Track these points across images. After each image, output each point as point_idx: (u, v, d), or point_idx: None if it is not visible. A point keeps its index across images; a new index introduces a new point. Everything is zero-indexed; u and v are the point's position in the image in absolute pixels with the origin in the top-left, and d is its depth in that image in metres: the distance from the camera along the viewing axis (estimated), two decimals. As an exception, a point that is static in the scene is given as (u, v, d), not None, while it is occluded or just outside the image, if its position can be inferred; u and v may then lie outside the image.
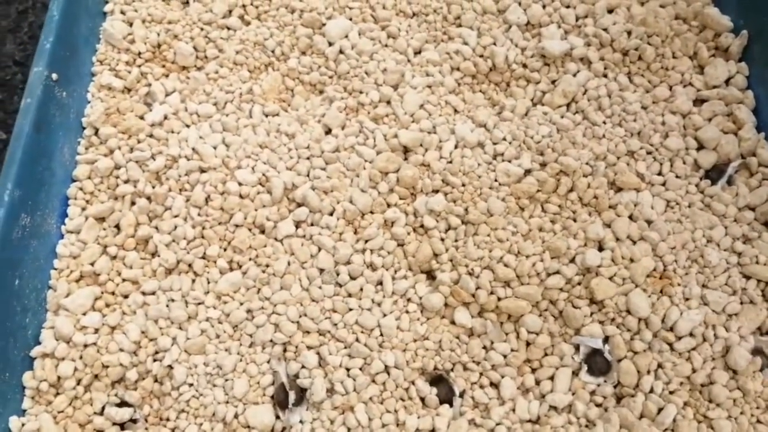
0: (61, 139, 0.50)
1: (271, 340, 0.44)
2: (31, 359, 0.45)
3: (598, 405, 0.43)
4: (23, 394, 0.44)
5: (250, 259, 0.47)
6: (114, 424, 0.43)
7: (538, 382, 0.44)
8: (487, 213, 0.47)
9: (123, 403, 0.44)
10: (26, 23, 0.77)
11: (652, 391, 0.42)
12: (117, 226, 0.49)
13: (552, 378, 0.43)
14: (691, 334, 0.43)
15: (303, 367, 0.43)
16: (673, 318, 0.43)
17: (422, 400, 0.43)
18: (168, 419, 0.43)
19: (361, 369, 0.43)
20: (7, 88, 0.73)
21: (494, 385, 0.43)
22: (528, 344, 0.44)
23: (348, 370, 0.43)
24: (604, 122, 0.51)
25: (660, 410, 0.41)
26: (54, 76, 0.50)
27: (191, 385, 0.44)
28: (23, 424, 0.43)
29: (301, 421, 0.42)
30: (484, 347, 0.44)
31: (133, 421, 0.44)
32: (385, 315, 0.44)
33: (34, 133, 0.48)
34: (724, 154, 0.49)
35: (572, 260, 0.45)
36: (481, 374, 0.44)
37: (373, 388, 0.42)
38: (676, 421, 0.41)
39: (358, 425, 0.41)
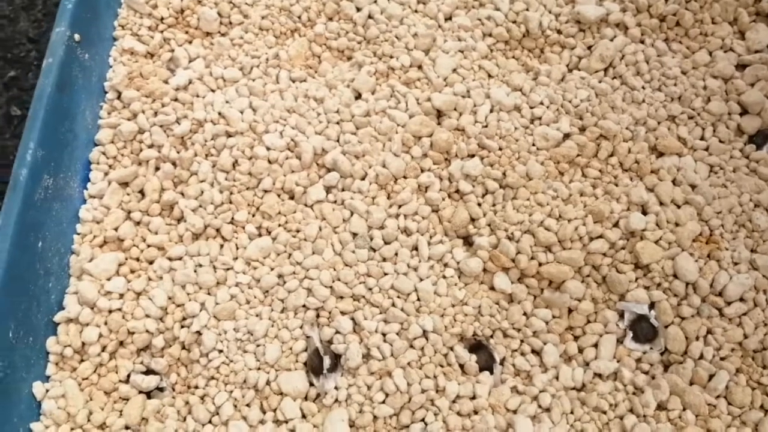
0: (84, 102, 0.49)
1: (304, 305, 0.43)
2: (55, 324, 0.43)
3: (645, 372, 0.41)
4: (47, 359, 0.42)
5: (279, 225, 0.45)
6: (140, 392, 0.42)
7: (581, 350, 0.42)
8: (526, 177, 0.45)
9: (149, 371, 0.42)
10: (40, 0, 0.76)
11: (701, 357, 0.41)
12: (141, 192, 0.48)
13: (596, 345, 0.42)
14: (741, 299, 0.41)
15: (337, 332, 0.42)
16: (722, 282, 0.42)
17: (461, 367, 0.41)
18: (197, 387, 0.41)
19: (398, 334, 0.41)
20: (21, 66, 0.72)
21: (536, 352, 0.42)
22: (570, 311, 0.43)
23: (384, 335, 0.41)
24: (643, 87, 0.49)
25: (711, 377, 0.40)
26: (77, 36, 0.49)
27: (221, 351, 0.42)
28: (47, 390, 0.41)
29: (336, 387, 0.40)
30: (525, 314, 0.42)
31: (160, 389, 0.42)
32: (421, 279, 0.43)
33: (57, 93, 0.46)
34: (769, 119, 0.47)
35: (616, 224, 0.44)
36: (522, 341, 0.42)
37: (411, 353, 0.41)
38: (728, 388, 0.40)
39: (396, 390, 0.39)
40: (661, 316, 0.41)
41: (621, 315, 0.42)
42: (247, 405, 0.40)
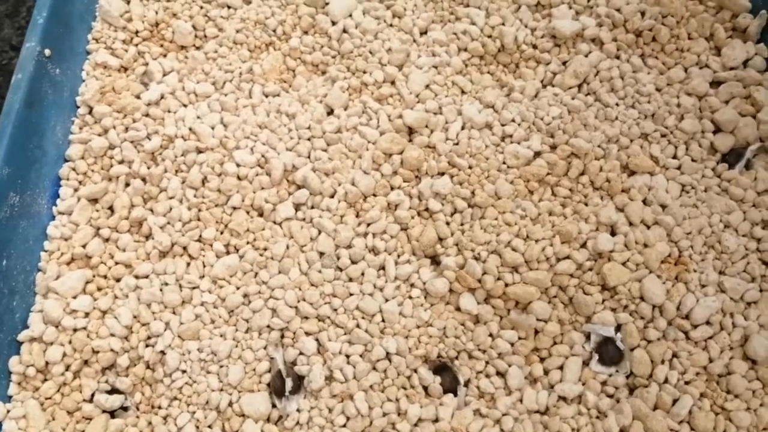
0: (54, 118, 0.48)
1: (268, 326, 0.42)
2: (18, 344, 0.43)
3: (610, 396, 0.41)
4: (9, 379, 0.42)
5: (247, 243, 0.45)
6: (104, 411, 0.42)
7: (546, 372, 0.42)
8: (495, 196, 0.45)
9: (113, 390, 0.42)
10: (24, 8, 0.75)
11: (666, 381, 0.40)
12: (110, 208, 0.48)
13: (561, 368, 0.42)
14: (707, 322, 0.41)
15: (301, 353, 0.41)
16: (689, 305, 0.41)
17: (425, 389, 0.41)
18: (160, 407, 0.41)
19: (361, 356, 0.41)
20: (3, 73, 0.71)
21: (501, 374, 0.42)
22: (536, 332, 0.42)
23: (348, 356, 0.41)
24: (617, 104, 0.49)
25: (675, 401, 0.39)
26: (47, 51, 0.49)
27: (184, 371, 0.42)
28: (8, 411, 0.41)
29: (298, 410, 0.40)
30: (491, 335, 0.42)
31: (124, 408, 0.42)
32: (387, 300, 0.43)
33: (25, 109, 0.46)
34: (742, 138, 0.47)
35: (583, 245, 0.43)
36: (487, 363, 0.42)
37: (373, 375, 0.41)
38: (692, 413, 0.39)
39: (357, 414, 0.39)
40: (627, 339, 0.41)
41: (587, 337, 0.42)
42: (209, 426, 0.40)
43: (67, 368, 0.42)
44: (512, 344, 0.42)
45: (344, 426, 0.39)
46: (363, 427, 0.39)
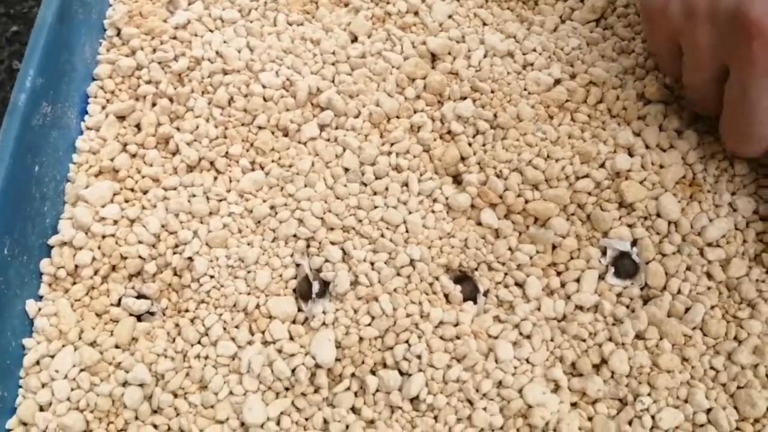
0: (83, 36, 0.49)
1: (295, 235, 0.43)
2: (49, 247, 0.44)
3: (625, 306, 0.42)
4: (40, 280, 0.43)
5: (272, 161, 0.46)
6: (131, 315, 0.43)
7: (563, 285, 0.43)
8: (517, 118, 0.46)
9: (141, 296, 0.43)
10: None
11: (679, 292, 0.41)
12: (138, 126, 0.48)
13: (578, 280, 0.43)
14: (720, 240, 0.42)
15: (327, 261, 0.43)
16: (703, 222, 0.42)
17: (446, 296, 0.42)
18: (187, 310, 0.42)
19: (385, 262, 0.42)
20: (24, 21, 0.72)
21: (519, 285, 0.43)
22: (554, 247, 0.44)
23: (372, 263, 0.42)
24: (633, 38, 0.50)
25: (688, 309, 0.41)
26: (76, -29, 0.49)
27: (212, 276, 0.43)
28: (40, 309, 0.42)
29: (324, 312, 0.41)
30: (510, 248, 0.43)
31: (151, 313, 0.43)
32: (410, 213, 0.44)
33: (57, 24, 0.47)
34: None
35: (602, 165, 0.44)
36: (505, 274, 0.43)
37: (397, 280, 0.42)
38: (704, 320, 0.40)
39: (382, 314, 0.40)
40: (643, 253, 0.42)
41: (604, 252, 0.43)
42: (236, 327, 0.41)
43: (96, 272, 0.43)
44: (531, 257, 0.43)
45: (369, 325, 0.40)
46: (387, 326, 0.40)
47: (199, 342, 0.41)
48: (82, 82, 0.49)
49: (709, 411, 0.39)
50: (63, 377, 0.40)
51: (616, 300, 0.42)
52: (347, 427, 0.39)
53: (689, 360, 0.40)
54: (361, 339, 0.40)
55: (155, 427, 0.39)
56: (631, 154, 0.45)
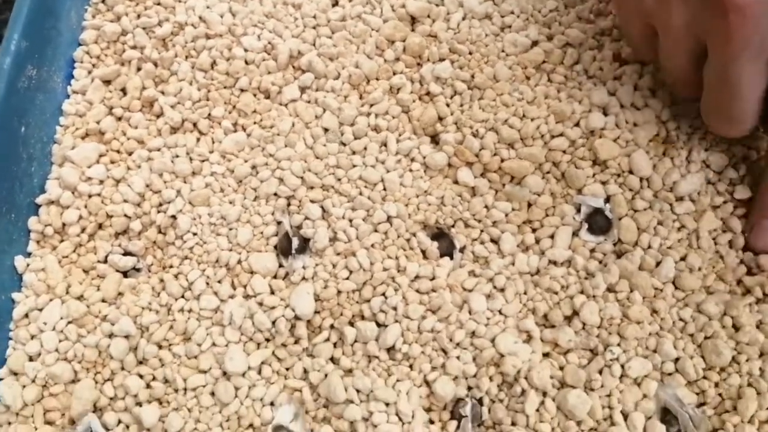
0: (69, 2, 0.50)
1: (275, 194, 0.45)
2: (37, 206, 0.45)
3: (598, 261, 0.43)
4: (28, 237, 0.44)
5: (254, 123, 0.47)
6: (117, 271, 0.44)
7: (538, 241, 0.44)
8: (494, 78, 0.47)
9: (126, 254, 0.44)
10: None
11: (650, 246, 0.42)
12: (123, 90, 0.49)
13: (552, 236, 0.44)
14: (692, 194, 0.43)
15: (306, 218, 0.44)
16: (675, 178, 0.43)
17: (423, 252, 0.43)
18: (171, 266, 0.43)
19: (363, 219, 0.43)
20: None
21: (494, 241, 0.44)
22: (530, 205, 0.45)
23: (351, 220, 0.43)
24: (610, 0, 0.50)
25: (659, 263, 0.42)
26: (60, -63, 0.50)
27: (195, 233, 0.44)
28: (28, 264, 0.43)
29: (303, 267, 0.42)
30: (486, 206, 0.44)
31: (137, 269, 0.44)
32: (388, 171, 0.45)
33: (42, -11, 0.48)
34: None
35: (576, 124, 0.45)
36: (481, 231, 0.44)
37: (375, 236, 0.43)
38: (679, 276, 0.41)
39: (359, 268, 0.41)
40: (616, 209, 0.43)
41: (578, 209, 0.44)
42: (219, 281, 0.42)
43: (83, 230, 0.45)
44: (506, 214, 0.44)
45: (347, 279, 0.41)
46: (365, 279, 0.41)
47: (182, 296, 0.42)
48: (68, 47, 0.50)
49: (677, 360, 0.40)
50: (51, 329, 0.41)
51: (589, 255, 0.43)
52: (326, 375, 0.40)
53: (658, 312, 0.41)
54: (339, 292, 0.41)
55: (141, 376, 0.41)
56: (605, 113, 0.46)
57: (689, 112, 0.45)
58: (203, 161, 0.46)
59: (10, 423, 0.40)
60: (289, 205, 0.44)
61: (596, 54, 0.48)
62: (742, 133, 0.41)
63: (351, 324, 0.41)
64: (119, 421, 0.40)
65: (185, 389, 0.40)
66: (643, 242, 0.43)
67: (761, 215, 0.41)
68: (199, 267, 0.43)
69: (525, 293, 0.42)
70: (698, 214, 0.43)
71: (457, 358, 0.40)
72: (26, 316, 0.42)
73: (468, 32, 0.49)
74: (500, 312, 0.41)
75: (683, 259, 0.42)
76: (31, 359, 0.41)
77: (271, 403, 0.40)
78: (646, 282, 0.41)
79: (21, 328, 0.42)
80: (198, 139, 0.47)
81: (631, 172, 0.44)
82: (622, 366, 0.40)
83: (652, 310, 0.41)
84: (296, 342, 0.41)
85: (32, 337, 0.41)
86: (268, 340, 0.41)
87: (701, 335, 0.40)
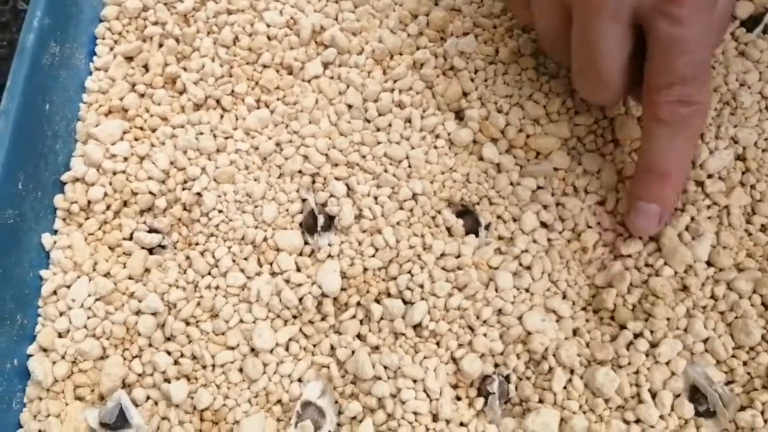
0: (90, -22, 0.50)
1: (300, 171, 0.44)
2: (62, 183, 0.45)
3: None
4: (55, 215, 0.45)
5: (277, 99, 0.47)
6: (143, 248, 0.44)
7: (563, 219, 0.43)
8: (518, 53, 0.46)
9: (152, 230, 0.44)
10: None
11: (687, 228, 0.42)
12: (145, 66, 0.49)
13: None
14: (721, 172, 0.43)
15: (332, 196, 0.43)
16: (703, 157, 0.43)
17: (448, 230, 0.43)
18: (197, 243, 0.43)
19: (389, 197, 0.43)
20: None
21: (518, 220, 0.43)
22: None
23: (376, 198, 0.43)
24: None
25: (691, 240, 0.41)
26: None
27: (221, 211, 0.44)
28: (55, 242, 0.44)
29: (329, 244, 0.42)
30: (511, 183, 0.44)
31: (162, 247, 0.44)
32: (413, 148, 0.44)
33: (63, -35, 0.47)
34: (761, 3, 0.48)
35: (602, 100, 0.45)
36: (506, 208, 0.44)
37: (400, 213, 0.43)
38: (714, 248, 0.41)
39: (386, 245, 0.41)
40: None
41: (604, 186, 0.44)
42: (245, 259, 0.42)
43: (108, 207, 0.45)
44: (533, 191, 0.44)
45: (373, 256, 0.41)
46: (391, 257, 0.41)
47: (209, 273, 0.42)
48: (89, 24, 0.49)
49: (706, 340, 0.40)
50: (79, 306, 0.42)
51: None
52: (353, 352, 0.40)
53: (689, 287, 0.40)
54: (365, 269, 0.41)
55: (168, 353, 0.41)
56: (633, 89, 0.45)
57: (719, 87, 0.45)
58: (227, 138, 0.46)
59: (41, 399, 0.41)
60: (314, 182, 0.44)
61: (623, 28, 0.47)
62: (610, 100, 0.40)
63: (377, 301, 0.41)
64: (148, 397, 0.40)
65: (213, 366, 0.40)
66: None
67: (636, 196, 0.39)
68: (225, 244, 0.43)
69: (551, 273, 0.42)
70: (728, 191, 0.42)
71: (484, 335, 0.40)
72: (54, 293, 0.42)
73: (492, 6, 0.48)
74: (527, 290, 0.41)
75: (717, 234, 0.42)
76: (60, 336, 0.42)
77: (299, 380, 0.40)
78: (680, 258, 0.40)
79: (50, 305, 0.42)
80: (221, 116, 0.47)
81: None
82: (650, 343, 0.40)
83: (683, 287, 0.41)
84: (323, 319, 0.41)
85: (61, 314, 0.42)
86: (295, 317, 0.41)
87: (732, 315, 0.40)
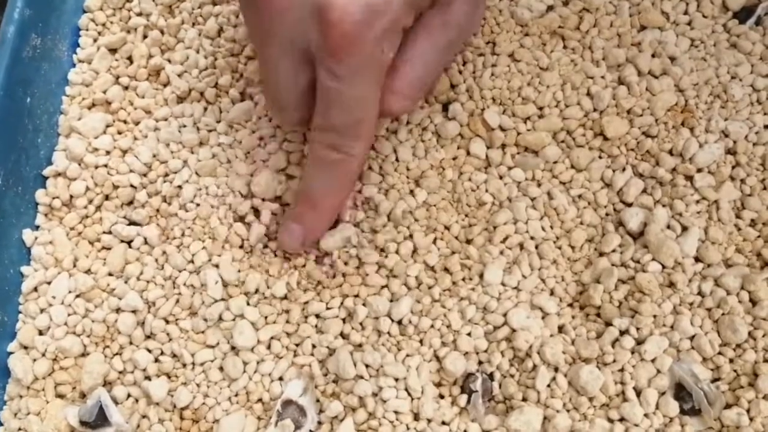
0: (72, -32, 0.49)
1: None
2: (44, 178, 0.45)
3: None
4: (36, 210, 0.44)
5: (261, 91, 0.46)
6: (122, 241, 0.43)
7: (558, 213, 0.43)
8: (508, 45, 0.45)
9: (131, 223, 0.44)
10: None
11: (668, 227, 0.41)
12: (129, 58, 0.48)
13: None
14: (711, 166, 0.42)
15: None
16: (693, 150, 0.42)
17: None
18: (174, 237, 0.43)
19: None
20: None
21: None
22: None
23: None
24: (630, -38, 0.49)
25: (677, 237, 0.41)
26: None
27: (199, 205, 0.43)
28: (36, 237, 0.43)
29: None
30: (500, 177, 0.43)
31: (143, 238, 0.44)
32: (401, 142, 0.44)
33: (44, -45, 0.47)
34: (754, -5, 0.47)
35: (587, 93, 0.44)
36: (493, 203, 0.43)
37: (386, 208, 0.42)
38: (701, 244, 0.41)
39: (369, 241, 0.41)
40: (632, 181, 0.42)
41: (593, 180, 0.43)
42: (219, 255, 0.42)
43: (90, 202, 0.44)
44: (519, 183, 0.43)
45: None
46: (374, 253, 0.41)
47: (185, 269, 0.42)
48: (72, 15, 0.49)
49: (692, 337, 0.39)
50: (60, 303, 0.41)
51: (603, 227, 0.42)
52: (334, 351, 0.40)
53: (676, 284, 0.40)
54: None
55: (149, 351, 0.40)
56: (621, 82, 0.44)
57: (709, 80, 0.44)
58: (210, 131, 0.45)
59: (21, 396, 0.40)
60: (297, 176, 0.44)
61: (613, 19, 0.46)
62: (287, 123, 0.42)
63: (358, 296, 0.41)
64: (128, 395, 0.40)
65: (193, 364, 0.40)
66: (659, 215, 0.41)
67: (289, 216, 0.40)
68: (200, 239, 0.42)
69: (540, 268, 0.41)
70: (717, 185, 0.42)
71: (468, 334, 0.39)
72: (35, 289, 0.42)
73: (482, -2, 0.47)
74: (515, 287, 0.40)
75: (706, 230, 0.41)
76: (41, 333, 0.41)
77: (280, 378, 0.40)
78: (665, 254, 0.40)
79: (30, 302, 0.42)
80: (205, 109, 0.46)
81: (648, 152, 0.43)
82: (636, 340, 0.39)
83: (670, 283, 0.40)
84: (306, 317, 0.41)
85: (41, 310, 0.41)
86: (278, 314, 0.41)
87: (719, 311, 0.39)
